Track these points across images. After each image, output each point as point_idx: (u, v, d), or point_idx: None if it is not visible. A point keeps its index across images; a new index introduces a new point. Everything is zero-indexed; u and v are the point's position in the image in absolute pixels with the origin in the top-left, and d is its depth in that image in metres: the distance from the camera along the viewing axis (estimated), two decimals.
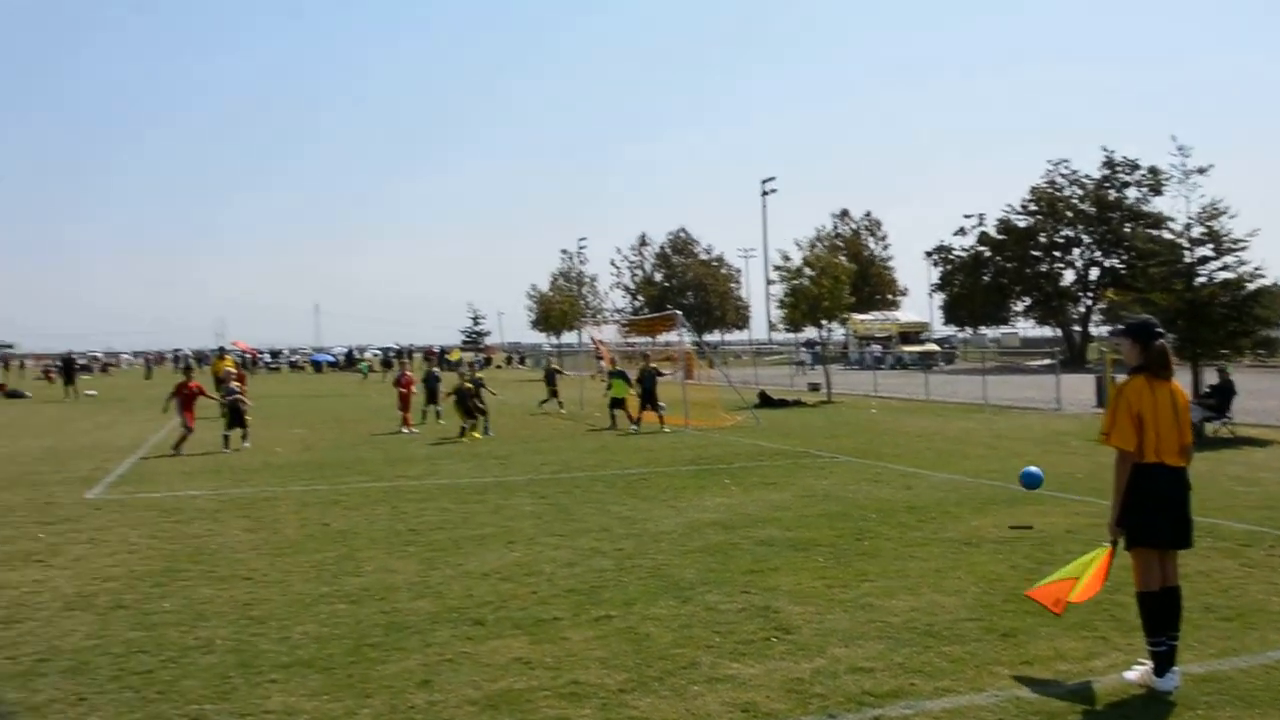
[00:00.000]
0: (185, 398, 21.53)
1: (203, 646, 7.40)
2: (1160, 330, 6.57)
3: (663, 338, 54.57)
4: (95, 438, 25.23)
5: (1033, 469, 12.61)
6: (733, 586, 8.96)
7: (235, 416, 21.96)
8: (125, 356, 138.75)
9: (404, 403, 26.33)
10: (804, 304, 36.41)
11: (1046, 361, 47.54)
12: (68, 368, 50.96)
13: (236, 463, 19.17)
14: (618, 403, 26.15)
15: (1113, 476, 6.41)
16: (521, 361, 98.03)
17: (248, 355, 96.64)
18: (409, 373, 28.05)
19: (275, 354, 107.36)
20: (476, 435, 23.34)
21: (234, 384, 22.94)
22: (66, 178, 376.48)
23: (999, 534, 11.03)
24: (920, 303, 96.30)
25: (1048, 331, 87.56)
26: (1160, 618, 6.25)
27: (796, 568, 9.65)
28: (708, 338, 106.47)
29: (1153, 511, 6.26)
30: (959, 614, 7.88)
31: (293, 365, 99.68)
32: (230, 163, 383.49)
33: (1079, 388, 32.62)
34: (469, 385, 24.17)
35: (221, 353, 37.82)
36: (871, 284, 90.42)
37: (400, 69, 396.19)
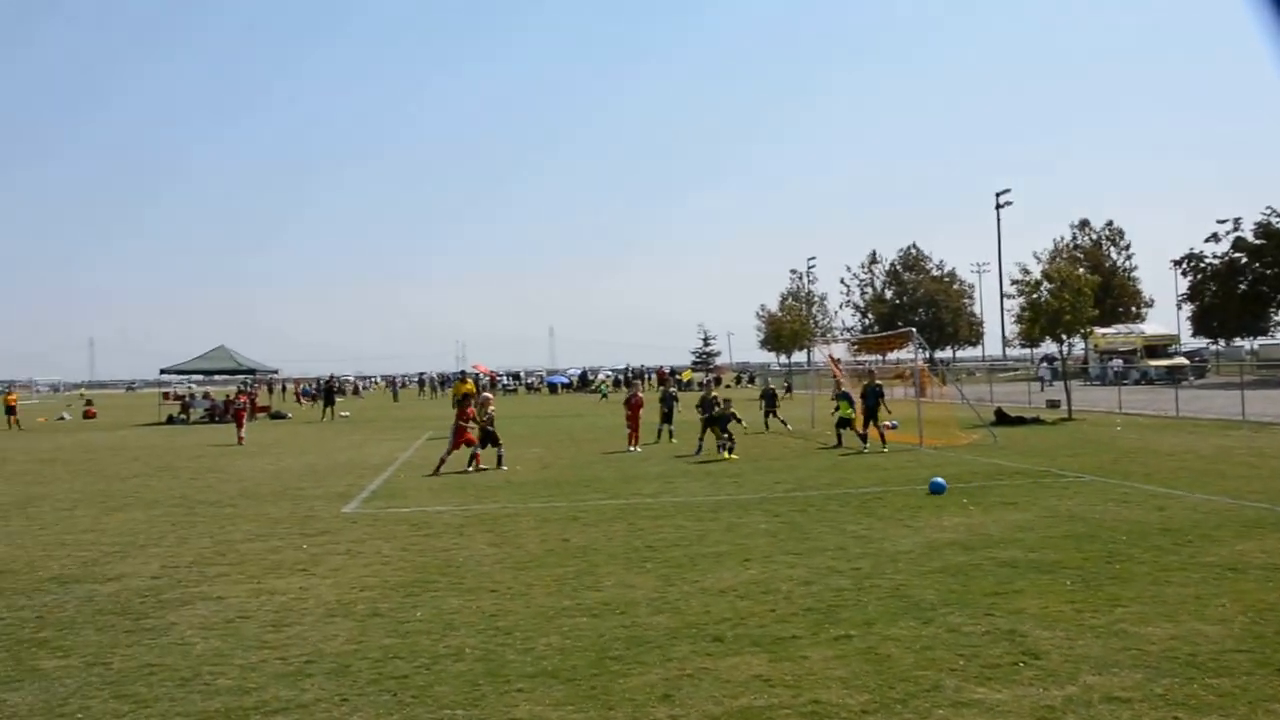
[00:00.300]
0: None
1: (453, 654, 7.70)
2: None
3: (893, 355, 53.55)
4: (350, 456, 26.58)
5: (938, 479, 16.36)
6: (975, 608, 8.71)
7: (487, 437, 22.63)
8: (375, 380, 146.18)
9: (632, 422, 26.72)
10: (1043, 318, 35.13)
11: None
12: (328, 391, 53.71)
13: (479, 480, 19.85)
14: (845, 422, 25.79)
15: None
16: (751, 381, 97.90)
17: (486, 378, 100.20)
18: (640, 394, 28.49)
19: (513, 376, 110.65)
20: (732, 456, 22.92)
21: (491, 409, 23.59)
22: (299, 209, 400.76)
23: (1267, 560, 10.34)
24: (1167, 314, 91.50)
25: None
26: None
27: (1042, 590, 9.30)
28: (939, 354, 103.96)
29: None
30: (1225, 645, 7.41)
31: (529, 387, 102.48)
32: (466, 191, 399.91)
33: None
34: (732, 412, 24.21)
35: (463, 376, 39.24)
36: (1114, 295, 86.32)
37: (635, 99, 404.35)
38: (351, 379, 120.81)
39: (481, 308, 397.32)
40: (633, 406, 27.13)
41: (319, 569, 11.19)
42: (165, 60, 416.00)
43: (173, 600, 9.78)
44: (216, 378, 64.26)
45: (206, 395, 59.31)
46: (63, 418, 56.91)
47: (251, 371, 55.38)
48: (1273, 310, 70.25)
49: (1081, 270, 42.58)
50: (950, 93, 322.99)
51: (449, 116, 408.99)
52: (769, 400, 33.10)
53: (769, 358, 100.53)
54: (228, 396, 50.86)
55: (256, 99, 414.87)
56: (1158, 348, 68.22)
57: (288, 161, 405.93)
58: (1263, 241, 65.32)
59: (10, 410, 46.39)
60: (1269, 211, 65.62)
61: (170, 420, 48.81)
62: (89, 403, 64.56)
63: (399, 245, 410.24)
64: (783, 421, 31.98)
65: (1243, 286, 67.36)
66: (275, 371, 66.52)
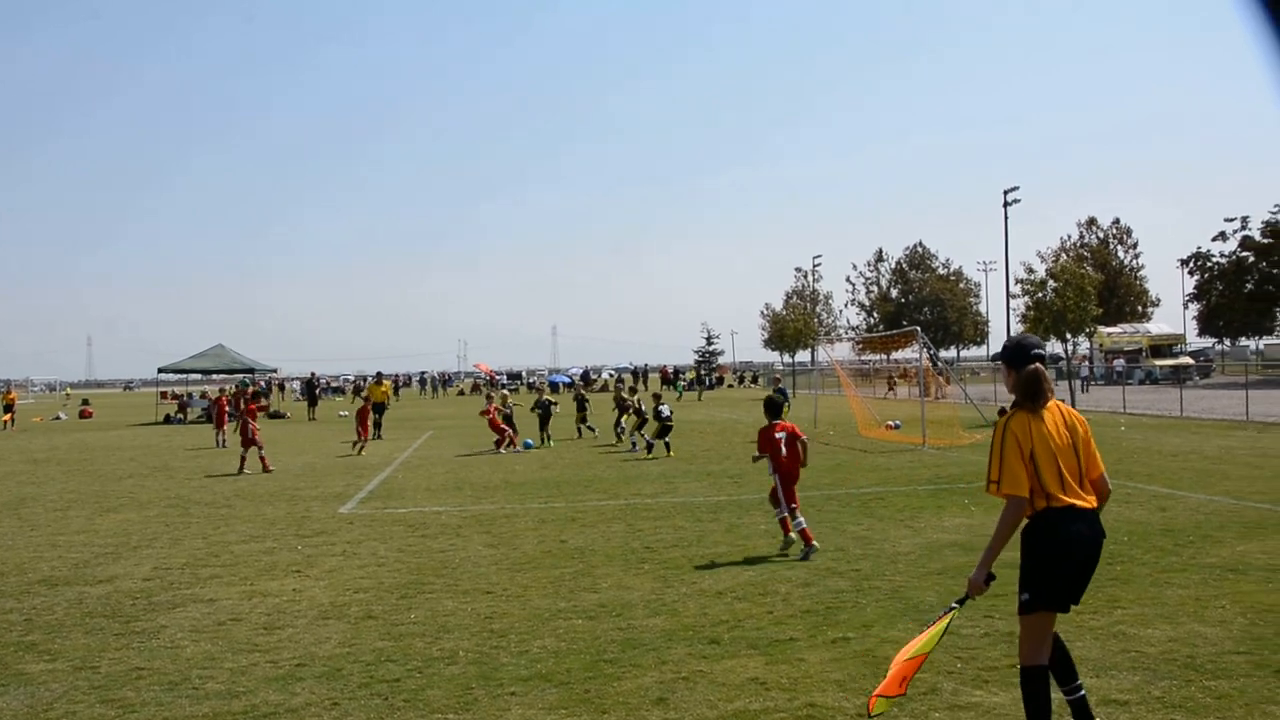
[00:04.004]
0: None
1: (446, 657, 7.63)
2: (1039, 351, 5.66)
3: (898, 354, 53.51)
4: (347, 456, 26.52)
5: None
6: (974, 611, 8.58)
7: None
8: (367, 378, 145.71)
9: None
10: (1047, 318, 35.06)
11: None
12: (310, 389, 53.87)
13: (477, 480, 19.80)
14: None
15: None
16: (754, 380, 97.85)
17: (487, 377, 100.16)
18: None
19: (514, 376, 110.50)
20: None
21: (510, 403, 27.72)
22: (282, 208, 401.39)
23: (1268, 561, 10.26)
24: (1173, 313, 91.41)
25: None
26: None
27: None
28: (944, 354, 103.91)
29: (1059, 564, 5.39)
30: (1224, 646, 7.33)
31: (531, 386, 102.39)
32: (469, 186, 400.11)
33: None
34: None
35: (379, 378, 39.61)
36: (1120, 294, 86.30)
37: (640, 94, 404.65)
38: (351, 378, 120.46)
39: (486, 308, 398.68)
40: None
41: (313, 571, 11.12)
42: (159, 57, 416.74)
43: (164, 603, 9.72)
44: (215, 376, 63.90)
45: (204, 395, 59.14)
46: (59, 417, 56.88)
47: (250, 370, 55.24)
48: (1279, 310, 69.99)
49: (1087, 268, 42.48)
50: (961, 89, 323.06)
51: (455, 112, 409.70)
52: (578, 404, 32.19)
53: (773, 357, 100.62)
54: (222, 392, 50.75)
55: (255, 94, 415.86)
56: (1163, 347, 67.94)
57: (287, 156, 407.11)
58: (1270, 241, 65.09)
59: (8, 408, 46.26)
60: (1277, 210, 65.43)
61: (168, 420, 48.71)
62: (85, 402, 64.44)
63: (404, 242, 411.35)
64: (591, 429, 31.05)
65: (1249, 286, 67.15)
66: (274, 370, 66.27)
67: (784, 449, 11.87)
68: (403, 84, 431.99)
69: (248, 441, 22.52)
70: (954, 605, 5.78)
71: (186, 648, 8.07)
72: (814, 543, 11.30)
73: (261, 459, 22.36)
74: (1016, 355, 5.63)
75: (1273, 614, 8.22)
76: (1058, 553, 5.35)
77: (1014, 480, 5.40)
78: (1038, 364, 5.56)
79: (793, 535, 11.52)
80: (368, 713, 6.46)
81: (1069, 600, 5.41)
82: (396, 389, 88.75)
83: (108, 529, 14.49)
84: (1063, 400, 5.59)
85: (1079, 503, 5.36)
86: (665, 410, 24.99)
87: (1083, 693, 5.53)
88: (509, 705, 6.53)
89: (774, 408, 12.41)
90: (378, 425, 32.73)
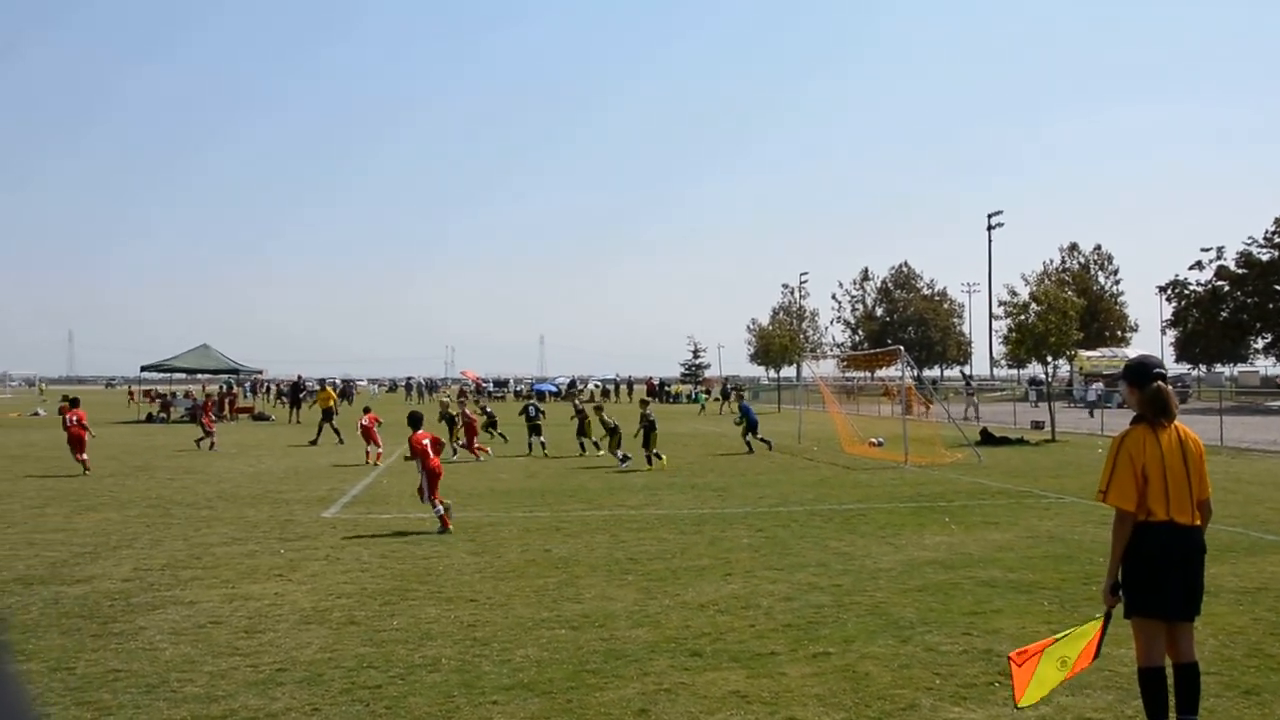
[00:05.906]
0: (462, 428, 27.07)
1: (428, 665, 7.66)
2: (1161, 370, 6.04)
3: (882, 372, 53.68)
4: (333, 459, 26.49)
5: None
6: (954, 628, 8.71)
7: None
8: (362, 384, 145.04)
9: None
10: (1029, 340, 35.20)
11: None
12: (294, 392, 53.73)
13: (463, 487, 19.77)
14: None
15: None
16: (739, 394, 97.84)
17: (473, 384, 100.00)
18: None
19: (500, 384, 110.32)
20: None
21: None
22: (292, 209, 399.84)
23: (1239, 584, 10.38)
24: (1152, 339, 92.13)
25: None
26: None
27: (1020, 610, 9.32)
28: (927, 373, 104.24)
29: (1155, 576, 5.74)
30: None
31: (517, 395, 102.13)
32: (459, 191, 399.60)
33: None
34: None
35: (321, 385, 39.61)
36: (1100, 320, 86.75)
37: (634, 102, 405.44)
38: (337, 382, 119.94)
39: (474, 315, 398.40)
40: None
41: (296, 575, 11.13)
42: (162, 59, 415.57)
43: (143, 604, 9.71)
44: (200, 376, 63.57)
45: (188, 394, 58.92)
46: (37, 413, 56.39)
47: (234, 371, 55.04)
48: (1252, 338, 70.60)
49: (1069, 293, 42.66)
50: (950, 111, 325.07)
51: (442, 119, 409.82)
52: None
53: (759, 371, 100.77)
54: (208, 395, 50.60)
55: (246, 97, 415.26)
56: None
57: (277, 159, 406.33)
58: (1244, 270, 65.67)
59: None
60: (1250, 241, 66.08)
61: (150, 418, 48.44)
62: (66, 399, 63.94)
63: (394, 246, 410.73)
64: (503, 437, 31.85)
65: (1224, 314, 67.65)
66: (259, 372, 66.04)
67: (432, 452, 14.70)
68: (391, 87, 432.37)
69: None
70: (1096, 618, 6.06)
71: (165, 650, 8.08)
72: (450, 526, 14.05)
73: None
74: (1140, 374, 6.00)
75: (1242, 636, 8.33)
76: (1145, 565, 5.72)
77: (1122, 493, 5.77)
78: (1160, 382, 5.91)
79: (450, 527, 14.08)
80: (348, 719, 6.49)
81: (1167, 610, 5.73)
82: (350, 395, 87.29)
83: (87, 528, 14.45)
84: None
85: (1180, 520, 5.70)
86: (650, 415, 25.03)
87: None
88: (491, 714, 6.57)
89: (415, 421, 15.28)
90: (335, 429, 32.50)
